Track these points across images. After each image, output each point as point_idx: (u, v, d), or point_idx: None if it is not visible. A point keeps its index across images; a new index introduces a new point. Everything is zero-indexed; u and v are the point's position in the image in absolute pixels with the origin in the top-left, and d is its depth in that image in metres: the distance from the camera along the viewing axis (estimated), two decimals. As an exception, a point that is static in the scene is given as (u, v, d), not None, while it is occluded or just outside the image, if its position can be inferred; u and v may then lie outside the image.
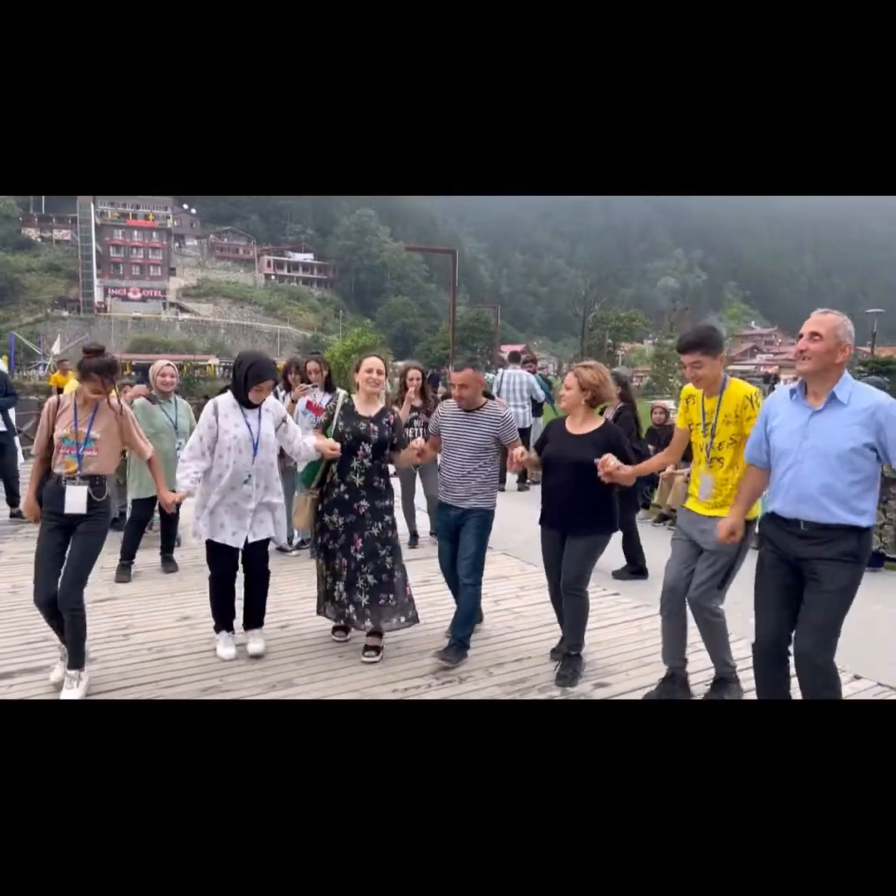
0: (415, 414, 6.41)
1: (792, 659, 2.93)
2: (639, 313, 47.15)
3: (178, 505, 4.36)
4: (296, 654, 4.11)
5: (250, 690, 3.58)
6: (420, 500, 6.83)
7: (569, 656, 3.88)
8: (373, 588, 4.01)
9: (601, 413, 4.02)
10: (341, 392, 4.38)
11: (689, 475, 3.76)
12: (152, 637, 4.28)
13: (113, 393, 3.68)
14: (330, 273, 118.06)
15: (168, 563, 5.66)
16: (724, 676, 3.59)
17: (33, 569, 3.53)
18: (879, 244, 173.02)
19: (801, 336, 2.86)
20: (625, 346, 50.29)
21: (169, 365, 5.79)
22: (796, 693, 2.97)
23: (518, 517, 6.01)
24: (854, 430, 2.73)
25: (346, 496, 4.02)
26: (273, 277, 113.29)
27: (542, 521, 3.97)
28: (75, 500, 3.48)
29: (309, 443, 4.03)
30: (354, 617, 4.06)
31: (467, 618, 4.04)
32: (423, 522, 6.92)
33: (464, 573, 4.01)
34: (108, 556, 5.81)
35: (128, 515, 5.71)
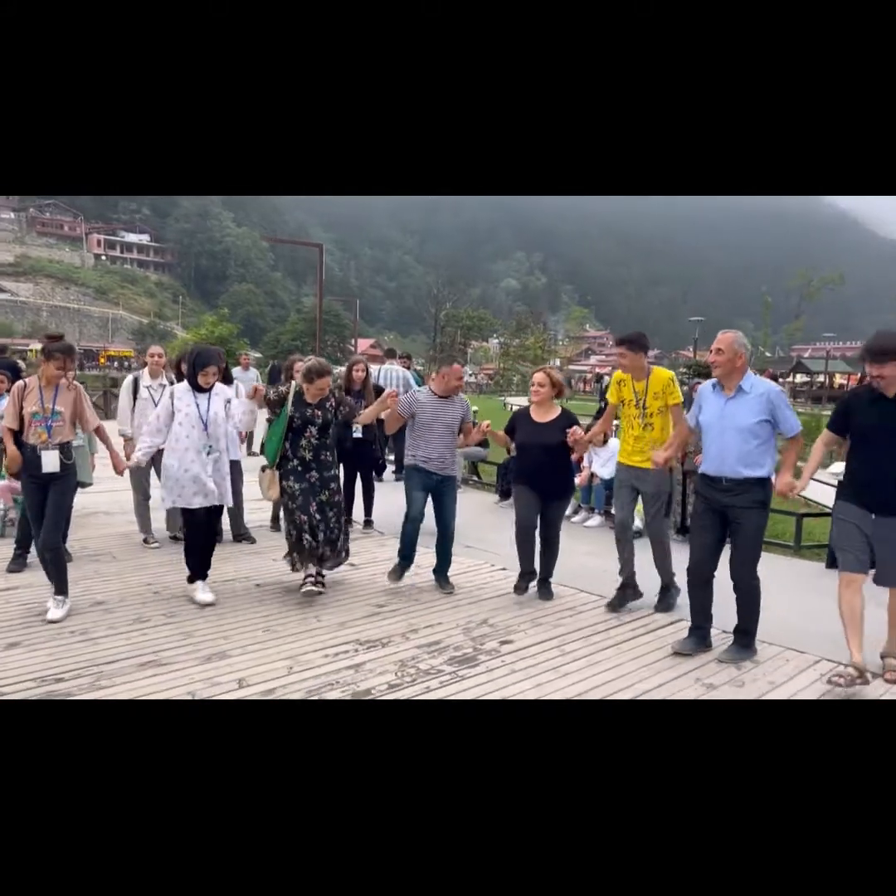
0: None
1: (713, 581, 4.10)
2: (487, 313, 49.09)
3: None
4: (224, 628, 4.24)
5: (185, 662, 3.70)
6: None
7: (545, 581, 5.07)
8: (321, 542, 4.82)
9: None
10: (294, 384, 4.99)
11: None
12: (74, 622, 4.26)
13: (70, 373, 4.40)
14: (168, 256, 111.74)
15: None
16: (668, 583, 4.82)
17: (29, 522, 4.52)
18: (698, 257, 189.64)
19: (710, 351, 4.00)
20: (474, 344, 52.12)
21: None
22: (720, 607, 4.05)
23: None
24: (755, 410, 3.89)
25: (299, 467, 4.86)
26: (104, 258, 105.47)
27: (519, 484, 5.02)
28: (50, 462, 4.29)
29: (243, 400, 4.99)
30: (319, 553, 4.83)
31: (449, 559, 5.23)
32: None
33: (451, 527, 5.16)
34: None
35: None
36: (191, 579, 4.79)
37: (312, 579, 4.77)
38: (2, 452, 4.67)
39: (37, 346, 55.72)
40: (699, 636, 4.10)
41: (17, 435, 4.41)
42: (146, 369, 6.07)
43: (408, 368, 10.49)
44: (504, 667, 3.85)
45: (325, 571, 4.95)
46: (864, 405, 3.73)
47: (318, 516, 4.82)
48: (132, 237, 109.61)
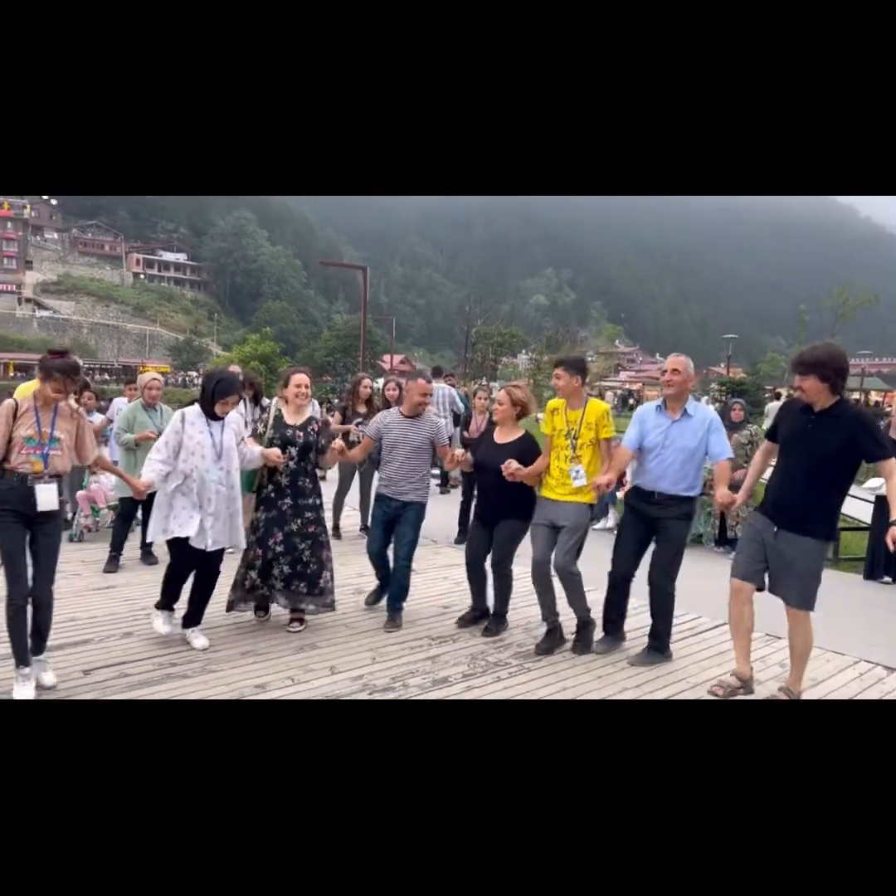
0: (359, 419, 7.10)
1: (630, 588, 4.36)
2: (519, 330, 49.63)
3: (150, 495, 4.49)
4: (308, 625, 4.62)
5: (280, 652, 4.10)
6: (351, 499, 7.43)
7: (498, 615, 4.71)
8: (287, 576, 4.47)
9: None
10: (272, 403, 4.83)
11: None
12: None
13: (71, 396, 3.77)
14: (204, 274, 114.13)
15: (148, 556, 6.00)
16: (583, 619, 4.46)
17: (8, 570, 3.49)
18: (729, 274, 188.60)
19: (664, 371, 4.24)
20: (504, 360, 52.56)
21: (156, 378, 6.28)
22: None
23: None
24: (695, 435, 4.12)
25: (272, 494, 4.50)
26: (142, 276, 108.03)
27: (475, 517, 4.84)
28: (47, 498, 3.53)
29: (256, 450, 4.43)
30: (269, 594, 4.53)
31: (403, 591, 4.79)
32: (354, 520, 7.54)
33: (403, 556, 4.71)
34: (98, 550, 6.15)
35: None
36: (159, 607, 4.35)
37: (275, 617, 4.65)
38: None
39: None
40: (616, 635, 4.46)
41: None
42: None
43: (453, 387, 10.92)
44: (565, 661, 4.23)
45: (303, 609, 4.58)
46: (793, 415, 3.66)
47: (279, 548, 4.42)
48: (169, 256, 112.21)
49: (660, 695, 3.79)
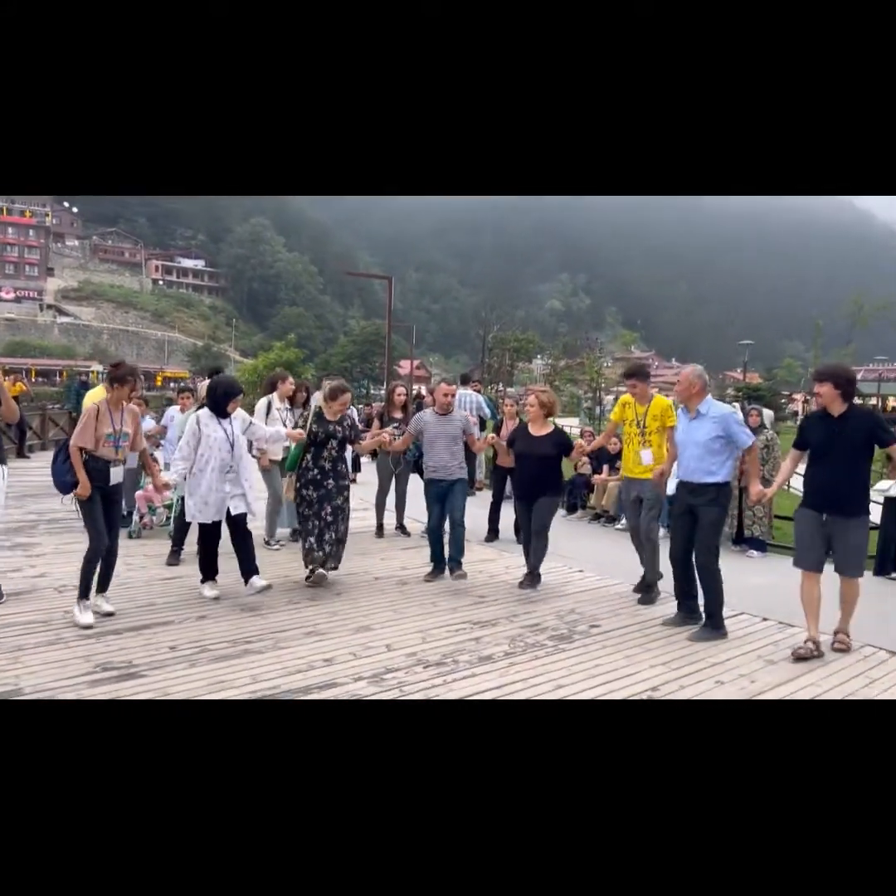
0: (396, 424, 7.59)
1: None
2: (536, 335, 50.18)
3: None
4: (361, 609, 5.11)
5: (340, 632, 4.58)
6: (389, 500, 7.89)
7: (533, 575, 5.64)
8: (334, 541, 5.58)
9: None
10: (314, 404, 5.89)
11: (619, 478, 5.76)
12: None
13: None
14: (222, 281, 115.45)
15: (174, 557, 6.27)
16: (652, 580, 5.55)
17: (93, 526, 4.68)
18: (745, 278, 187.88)
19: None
20: (520, 365, 53.05)
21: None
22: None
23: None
24: (711, 429, 4.77)
25: (318, 476, 5.59)
26: (161, 283, 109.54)
27: (517, 499, 5.93)
28: (117, 475, 4.86)
29: (281, 430, 5.74)
30: (322, 557, 5.51)
31: (461, 550, 5.83)
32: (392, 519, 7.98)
33: (458, 519, 5.85)
34: (157, 545, 6.69)
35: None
36: (204, 580, 5.30)
37: (316, 575, 5.54)
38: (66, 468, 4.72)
39: (98, 367, 56.90)
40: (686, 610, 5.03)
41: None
42: (276, 393, 7.07)
43: (479, 393, 11.37)
44: (596, 644, 4.66)
45: (334, 567, 5.64)
46: (815, 424, 4.51)
47: (329, 518, 5.54)
48: (188, 262, 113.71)
49: (684, 671, 4.21)
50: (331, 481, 5.60)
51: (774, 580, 6.23)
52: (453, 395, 6.09)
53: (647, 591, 5.60)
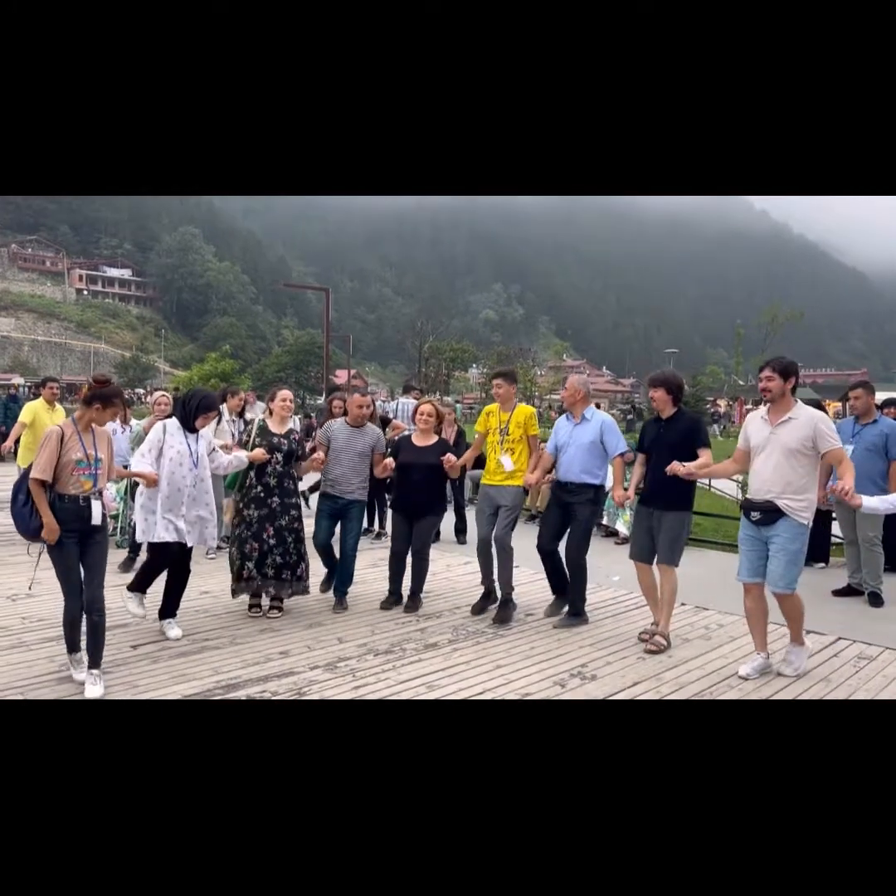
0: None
1: (560, 557, 5.27)
2: (471, 346, 50.99)
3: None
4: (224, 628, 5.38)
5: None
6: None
7: (414, 594, 5.50)
8: (279, 566, 5.13)
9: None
10: (256, 417, 5.57)
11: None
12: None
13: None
14: (150, 291, 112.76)
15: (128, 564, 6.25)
16: (506, 595, 5.30)
17: (66, 580, 3.86)
18: (672, 289, 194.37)
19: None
20: (456, 374, 53.88)
21: (164, 395, 6.89)
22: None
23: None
24: (590, 433, 5.14)
25: (262, 494, 5.13)
26: (86, 293, 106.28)
27: (395, 511, 5.62)
28: (98, 512, 3.93)
29: (241, 455, 5.11)
30: (262, 585, 5.14)
31: (349, 578, 5.50)
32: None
33: (350, 547, 5.45)
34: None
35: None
36: (131, 587, 4.74)
37: (265, 607, 5.21)
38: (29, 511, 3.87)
39: (18, 380, 53.75)
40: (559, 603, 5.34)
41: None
42: (225, 406, 7.18)
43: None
44: (531, 630, 5.09)
45: (284, 596, 5.22)
46: (650, 426, 4.97)
47: (272, 541, 5.08)
48: (114, 272, 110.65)
49: (610, 649, 4.66)
50: (275, 500, 5.14)
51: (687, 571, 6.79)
52: (369, 407, 5.58)
53: (503, 606, 5.30)
